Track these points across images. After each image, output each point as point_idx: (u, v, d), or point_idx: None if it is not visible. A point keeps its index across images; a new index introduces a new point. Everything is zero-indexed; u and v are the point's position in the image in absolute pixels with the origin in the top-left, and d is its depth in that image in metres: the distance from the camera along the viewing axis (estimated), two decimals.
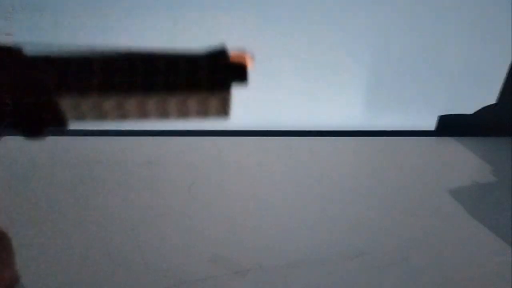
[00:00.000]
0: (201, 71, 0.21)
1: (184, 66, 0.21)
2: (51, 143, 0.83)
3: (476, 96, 0.79)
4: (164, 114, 0.22)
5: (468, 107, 0.79)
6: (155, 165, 0.80)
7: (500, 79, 0.75)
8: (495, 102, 0.72)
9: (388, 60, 0.82)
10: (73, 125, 0.22)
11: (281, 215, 0.67)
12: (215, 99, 0.23)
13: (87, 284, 0.49)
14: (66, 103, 0.20)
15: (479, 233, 0.63)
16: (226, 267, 0.52)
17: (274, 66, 0.84)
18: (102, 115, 0.21)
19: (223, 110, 0.23)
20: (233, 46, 0.25)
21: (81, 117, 0.21)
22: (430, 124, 0.85)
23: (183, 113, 0.22)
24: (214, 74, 0.22)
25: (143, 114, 0.21)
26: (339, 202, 0.71)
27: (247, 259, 0.54)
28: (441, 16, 0.75)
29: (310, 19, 0.80)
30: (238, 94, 0.26)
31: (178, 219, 0.64)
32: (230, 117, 0.24)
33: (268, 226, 0.64)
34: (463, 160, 0.81)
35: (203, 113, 0.23)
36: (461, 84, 0.80)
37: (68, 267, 0.53)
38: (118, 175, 0.76)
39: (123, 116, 0.21)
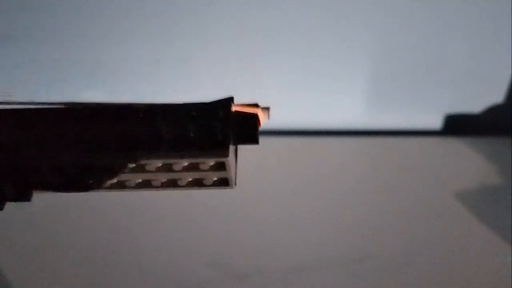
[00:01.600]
0: (193, 124, 0.15)
1: (171, 119, 0.15)
2: None
3: (484, 94, 0.77)
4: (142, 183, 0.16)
5: (475, 106, 0.78)
6: None
7: (509, 77, 0.73)
8: (504, 101, 0.70)
9: (392, 56, 0.80)
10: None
11: (281, 217, 0.65)
12: (210, 162, 0.16)
13: None
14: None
15: (486, 236, 0.62)
16: (224, 272, 0.50)
17: (273, 63, 0.82)
18: None
19: (221, 177, 0.17)
20: (244, 96, 0.18)
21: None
22: (436, 123, 0.83)
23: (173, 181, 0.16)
24: (210, 128, 0.15)
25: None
26: (342, 204, 0.69)
27: (247, 263, 0.53)
28: (448, 12, 0.73)
29: (312, 15, 0.78)
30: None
31: (175, 221, 0.61)
32: (234, 187, 0.17)
33: (268, 228, 0.61)
34: (469, 160, 0.78)
35: (195, 182, 0.16)
36: (468, 81, 0.77)
37: (60, 271, 0.51)
38: None
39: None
